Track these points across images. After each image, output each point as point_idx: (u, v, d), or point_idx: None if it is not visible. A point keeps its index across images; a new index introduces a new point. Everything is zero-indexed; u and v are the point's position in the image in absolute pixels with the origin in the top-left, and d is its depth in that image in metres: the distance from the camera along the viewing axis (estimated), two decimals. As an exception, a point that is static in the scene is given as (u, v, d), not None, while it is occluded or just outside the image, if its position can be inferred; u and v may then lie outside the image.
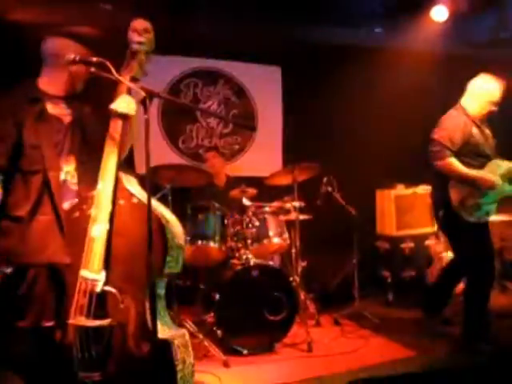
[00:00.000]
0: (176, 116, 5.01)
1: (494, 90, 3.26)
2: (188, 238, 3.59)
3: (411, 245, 4.89)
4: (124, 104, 1.96)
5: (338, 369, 3.09)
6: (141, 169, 4.40)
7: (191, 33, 4.63)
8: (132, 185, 2.05)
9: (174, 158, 4.94)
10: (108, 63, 1.94)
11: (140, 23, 1.99)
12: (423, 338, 3.60)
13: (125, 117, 1.98)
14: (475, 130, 3.28)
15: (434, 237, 4.84)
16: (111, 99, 2.01)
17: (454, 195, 3.27)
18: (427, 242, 4.84)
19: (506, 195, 3.35)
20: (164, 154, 4.87)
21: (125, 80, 1.94)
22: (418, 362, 3.16)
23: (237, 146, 5.27)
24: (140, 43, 1.99)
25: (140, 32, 1.98)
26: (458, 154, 3.23)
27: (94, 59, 1.96)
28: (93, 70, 1.95)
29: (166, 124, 4.97)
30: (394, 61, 5.06)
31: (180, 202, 3.75)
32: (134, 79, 2.00)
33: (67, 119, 2.13)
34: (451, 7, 4.52)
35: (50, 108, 2.09)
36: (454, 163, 3.21)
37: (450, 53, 5.35)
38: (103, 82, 1.94)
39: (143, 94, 1.82)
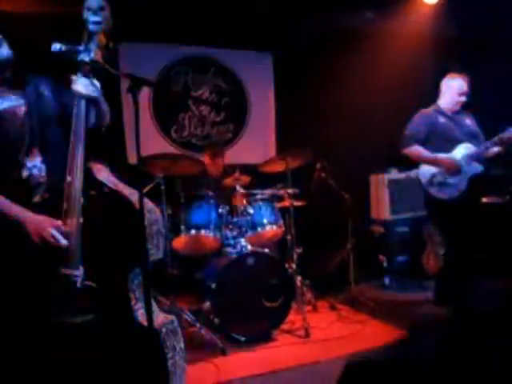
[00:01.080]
0: (168, 105, 4.97)
1: (459, 84, 3.65)
2: (182, 228, 3.58)
3: (406, 229, 4.92)
4: (82, 86, 1.87)
5: (336, 353, 3.11)
6: (133, 159, 4.41)
7: (180, 19, 4.58)
8: (102, 174, 1.99)
9: (166, 147, 4.91)
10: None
11: (94, 1, 1.87)
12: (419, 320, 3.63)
13: (87, 99, 1.90)
14: (442, 119, 3.67)
15: (428, 220, 4.86)
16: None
17: (423, 174, 3.68)
18: (421, 226, 4.85)
19: (474, 174, 3.58)
20: (156, 143, 4.83)
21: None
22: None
23: (229, 134, 5.24)
24: (96, 23, 1.88)
25: (95, 10, 1.87)
26: (425, 141, 3.66)
27: (81, 48, 1.90)
28: (80, 58, 1.89)
29: (158, 113, 4.93)
30: (386, 45, 5.03)
31: (173, 191, 3.73)
32: (94, 62, 1.89)
33: (22, 110, 2.00)
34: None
35: (2, 103, 1.97)
36: (416, 149, 3.65)
37: (441, 35, 5.32)
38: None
39: (130, 81, 1.78)
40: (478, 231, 3.64)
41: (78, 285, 1.81)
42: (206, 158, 4.47)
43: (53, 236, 1.80)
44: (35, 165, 1.98)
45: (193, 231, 3.60)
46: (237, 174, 3.91)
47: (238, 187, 3.86)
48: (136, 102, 1.78)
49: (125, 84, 2.04)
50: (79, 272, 1.82)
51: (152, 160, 3.50)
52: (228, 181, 3.95)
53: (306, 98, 5.15)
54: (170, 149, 4.92)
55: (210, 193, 3.78)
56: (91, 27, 1.88)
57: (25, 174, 1.96)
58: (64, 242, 1.82)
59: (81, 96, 1.88)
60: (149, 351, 1.84)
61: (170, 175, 3.68)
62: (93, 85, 1.90)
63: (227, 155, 4.76)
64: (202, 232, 3.61)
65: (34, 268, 1.83)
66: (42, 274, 1.83)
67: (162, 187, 3.57)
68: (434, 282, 3.84)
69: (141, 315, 1.90)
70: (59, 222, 1.83)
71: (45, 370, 1.77)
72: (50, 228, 1.81)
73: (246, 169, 4.24)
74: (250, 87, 5.29)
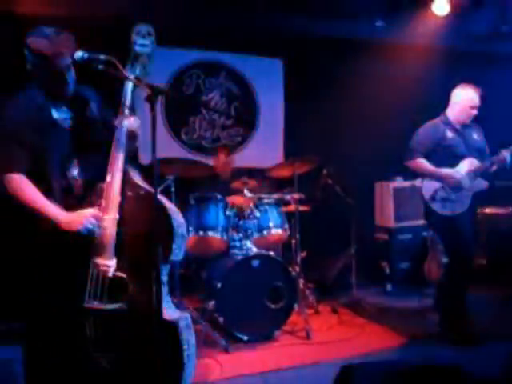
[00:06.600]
0: (179, 108, 5.05)
1: (472, 96, 3.54)
2: (190, 229, 3.68)
3: (409, 236, 4.99)
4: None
5: (335, 355, 3.19)
6: (144, 160, 4.51)
7: (194, 24, 4.68)
8: (137, 177, 2.18)
9: (176, 149, 4.99)
10: (115, 61, 2.01)
11: (143, 27, 2.13)
12: (418, 326, 3.71)
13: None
14: (450, 134, 3.59)
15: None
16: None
17: (426, 189, 3.60)
18: (424, 234, 4.91)
19: (478, 190, 3.57)
20: (166, 145, 4.91)
21: (132, 78, 2.02)
22: (412, 349, 3.27)
23: (239, 138, 5.32)
24: (143, 46, 2.12)
25: (143, 35, 2.11)
26: (430, 155, 3.59)
27: (102, 57, 2.01)
28: (101, 67, 2.00)
29: (169, 115, 5.01)
30: (395, 54, 5.10)
31: (183, 192, 3.83)
32: (137, 79, 2.10)
33: (69, 123, 2.15)
34: (452, 1, 4.54)
35: (54, 113, 2.11)
36: (421, 162, 3.59)
37: (450, 47, 5.38)
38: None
39: (149, 91, 1.89)
40: (478, 241, 3.68)
41: (110, 274, 1.98)
42: (219, 157, 4.56)
43: (87, 229, 1.97)
44: (74, 176, 2.12)
45: (201, 232, 3.70)
46: (244, 178, 4.00)
47: (245, 191, 3.94)
48: (153, 111, 1.87)
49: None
50: (112, 263, 1.99)
51: (162, 163, 3.59)
52: (236, 184, 4.04)
53: (314, 104, 5.21)
54: (179, 151, 5.01)
55: (219, 195, 3.87)
56: (138, 49, 2.13)
57: (65, 184, 2.10)
58: (99, 231, 1.99)
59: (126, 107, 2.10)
60: (169, 341, 2.00)
61: (180, 177, 3.78)
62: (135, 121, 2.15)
63: (236, 159, 4.85)
64: (210, 233, 3.71)
65: (72, 257, 2.01)
66: (78, 262, 2.00)
67: (172, 189, 3.68)
68: (435, 289, 3.91)
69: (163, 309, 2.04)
70: (89, 212, 2.00)
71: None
72: (83, 223, 1.96)
73: (254, 173, 4.33)
74: (260, 92, 5.37)
